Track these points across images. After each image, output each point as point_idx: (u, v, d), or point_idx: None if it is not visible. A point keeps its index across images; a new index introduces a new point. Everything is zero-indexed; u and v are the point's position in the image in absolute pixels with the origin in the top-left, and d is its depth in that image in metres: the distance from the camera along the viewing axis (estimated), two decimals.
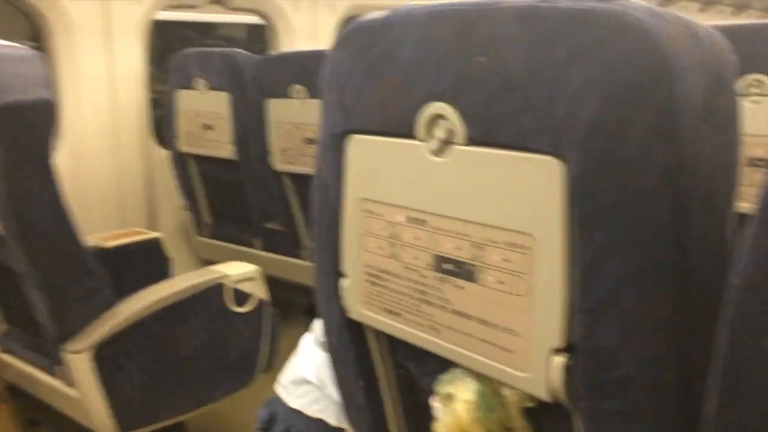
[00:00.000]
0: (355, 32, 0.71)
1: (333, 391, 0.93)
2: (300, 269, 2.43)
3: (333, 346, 0.85)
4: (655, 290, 0.53)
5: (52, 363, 1.58)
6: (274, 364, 1.86)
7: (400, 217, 0.70)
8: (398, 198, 0.70)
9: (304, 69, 2.12)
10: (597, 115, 0.52)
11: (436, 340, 0.70)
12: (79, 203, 2.39)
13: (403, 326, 0.72)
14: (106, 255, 1.91)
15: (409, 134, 0.66)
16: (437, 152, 0.64)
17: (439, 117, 0.63)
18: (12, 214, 1.39)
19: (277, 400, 1.07)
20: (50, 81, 1.44)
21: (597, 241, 0.54)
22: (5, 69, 1.37)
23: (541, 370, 0.59)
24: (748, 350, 0.47)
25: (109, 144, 2.47)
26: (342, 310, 0.78)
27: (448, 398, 0.72)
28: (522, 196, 0.58)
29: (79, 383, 1.51)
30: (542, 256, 0.58)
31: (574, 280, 0.56)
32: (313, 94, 2.12)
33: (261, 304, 1.78)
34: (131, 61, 2.49)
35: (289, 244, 2.44)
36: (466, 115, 0.61)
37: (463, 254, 0.65)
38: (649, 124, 0.51)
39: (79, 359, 1.48)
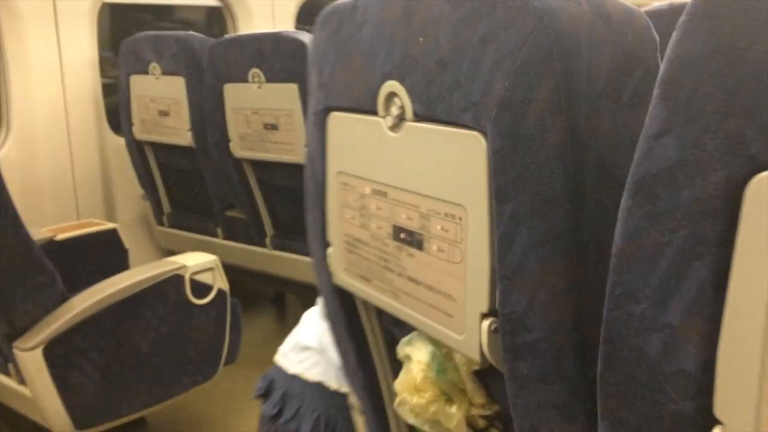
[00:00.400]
0: (328, 15, 0.76)
1: (334, 355, 0.96)
2: (264, 258, 2.39)
3: (328, 311, 0.90)
4: (554, 259, 0.56)
5: (3, 361, 1.53)
6: (236, 356, 1.83)
7: (367, 189, 0.74)
8: (365, 171, 0.74)
9: (261, 53, 2.07)
10: (504, 92, 0.55)
11: (396, 304, 0.74)
12: (32, 195, 2.33)
13: (372, 291, 0.77)
14: (58, 248, 1.85)
15: (372, 111, 0.70)
16: (393, 128, 0.68)
17: (393, 94, 0.67)
18: None
19: (276, 369, 1.14)
20: None
21: (507, 213, 0.57)
22: None
23: (473, 334, 0.63)
24: (621, 316, 0.50)
25: (61, 133, 2.38)
26: (330, 277, 0.84)
27: (406, 358, 0.77)
28: (455, 170, 0.62)
29: (31, 381, 1.46)
30: (472, 226, 0.61)
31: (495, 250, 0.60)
32: (270, 78, 2.07)
33: (221, 294, 1.74)
34: (82, 47, 2.41)
35: (251, 233, 2.40)
36: (412, 93, 0.65)
37: (414, 224, 0.69)
38: (546, 101, 0.53)
39: (30, 357, 1.43)
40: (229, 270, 1.78)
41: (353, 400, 0.97)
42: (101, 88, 2.52)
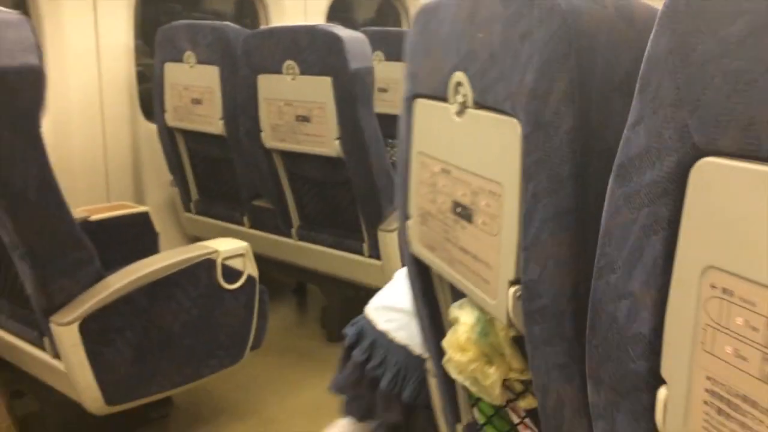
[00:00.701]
0: (421, 12, 0.87)
1: None
2: (288, 247, 2.42)
3: (408, 278, 1.00)
4: (561, 233, 0.63)
5: (39, 335, 1.56)
6: (261, 342, 1.86)
7: (437, 168, 0.84)
8: (437, 151, 0.84)
9: (296, 45, 2.10)
10: (533, 83, 0.63)
11: (451, 271, 0.83)
12: (64, 177, 2.35)
13: (436, 259, 0.87)
14: (91, 228, 1.88)
15: (444, 98, 0.79)
16: (458, 113, 0.77)
17: (459, 84, 0.76)
18: None
19: (365, 320, 1.23)
20: (38, 47, 1.40)
21: (530, 190, 0.64)
22: None
23: (503, 299, 0.70)
24: (602, 285, 0.57)
25: (95, 117, 2.42)
26: (409, 246, 0.94)
27: (455, 321, 0.86)
28: (497, 151, 0.69)
29: (65, 356, 1.49)
30: (506, 202, 0.69)
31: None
32: (305, 70, 2.10)
33: (250, 280, 1.77)
34: (119, 33, 2.44)
35: (278, 222, 2.42)
36: (472, 83, 0.73)
37: (466, 200, 0.77)
38: (563, 92, 0.60)
39: (67, 331, 1.46)
40: (254, 259, 1.81)
41: (430, 365, 1.03)
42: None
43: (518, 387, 0.83)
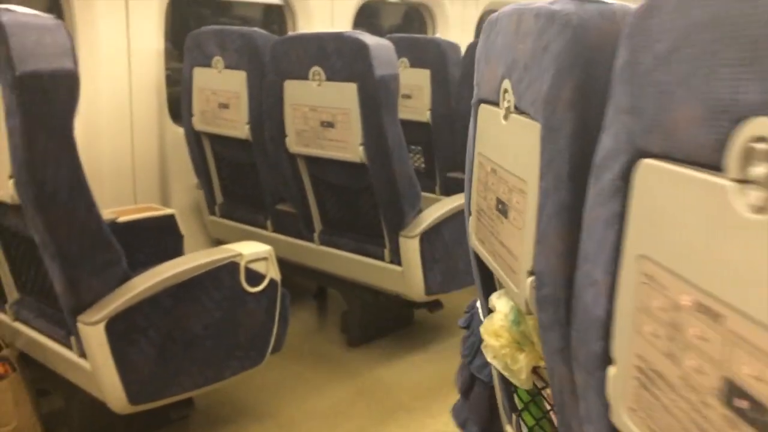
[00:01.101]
0: (486, 24, 0.95)
1: None
2: (310, 252, 2.43)
3: (473, 269, 1.09)
4: (561, 228, 0.69)
5: (66, 333, 1.59)
6: (282, 345, 1.87)
7: (489, 168, 0.92)
8: (490, 152, 0.92)
9: (323, 51, 2.11)
10: (547, 91, 0.69)
11: (494, 264, 0.91)
12: (92, 177, 2.38)
13: (485, 252, 0.97)
14: (119, 229, 1.91)
15: (497, 103, 0.87)
16: (504, 117, 0.84)
17: (505, 90, 0.84)
18: (31, 183, 1.39)
19: (475, 308, 1.28)
20: (73, 51, 1.43)
21: (542, 188, 0.71)
22: (28, 37, 1.37)
23: (523, 288, 0.76)
24: (580, 274, 0.64)
25: (124, 119, 2.46)
26: (470, 240, 1.06)
27: (493, 309, 0.95)
28: (526, 151, 0.75)
29: (91, 355, 1.52)
30: (529, 199, 0.75)
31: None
32: (331, 76, 2.11)
33: (273, 284, 1.78)
34: (150, 38, 2.48)
35: (300, 227, 2.44)
36: (514, 90, 0.80)
37: (505, 197, 0.85)
38: (568, 100, 0.67)
39: (93, 331, 1.49)
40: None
41: None
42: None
43: (547, 375, 0.86)
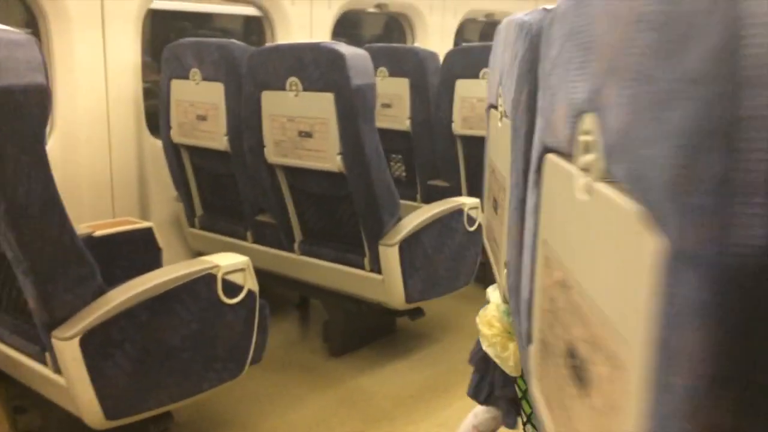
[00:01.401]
0: (497, 30, 1.02)
1: None
2: (291, 262, 2.43)
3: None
4: (519, 221, 0.73)
5: (41, 349, 1.58)
6: (261, 356, 1.87)
7: (491, 169, 1.02)
8: (491, 154, 1.04)
9: (300, 62, 2.12)
10: (513, 95, 0.76)
11: (492, 259, 0.99)
12: (70, 192, 2.38)
13: (490, 249, 1.10)
14: (96, 243, 1.90)
15: (497, 107, 0.96)
16: (500, 120, 0.93)
17: (499, 95, 0.93)
18: (2, 198, 1.38)
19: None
20: (45, 67, 1.43)
21: (510, 185, 0.77)
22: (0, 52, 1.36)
23: (501, 278, 0.85)
24: (524, 260, 0.71)
25: (101, 133, 2.46)
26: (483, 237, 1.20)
27: (488, 301, 1.03)
28: (508, 151, 0.84)
29: (66, 370, 1.51)
30: (507, 195, 0.83)
31: None
32: (308, 86, 2.12)
33: (251, 295, 1.78)
34: (126, 51, 2.48)
35: (280, 237, 2.44)
36: (503, 95, 0.90)
37: (497, 194, 0.93)
38: (524, 102, 0.73)
39: (68, 346, 1.47)
40: (256, 273, 1.82)
41: None
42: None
43: None
